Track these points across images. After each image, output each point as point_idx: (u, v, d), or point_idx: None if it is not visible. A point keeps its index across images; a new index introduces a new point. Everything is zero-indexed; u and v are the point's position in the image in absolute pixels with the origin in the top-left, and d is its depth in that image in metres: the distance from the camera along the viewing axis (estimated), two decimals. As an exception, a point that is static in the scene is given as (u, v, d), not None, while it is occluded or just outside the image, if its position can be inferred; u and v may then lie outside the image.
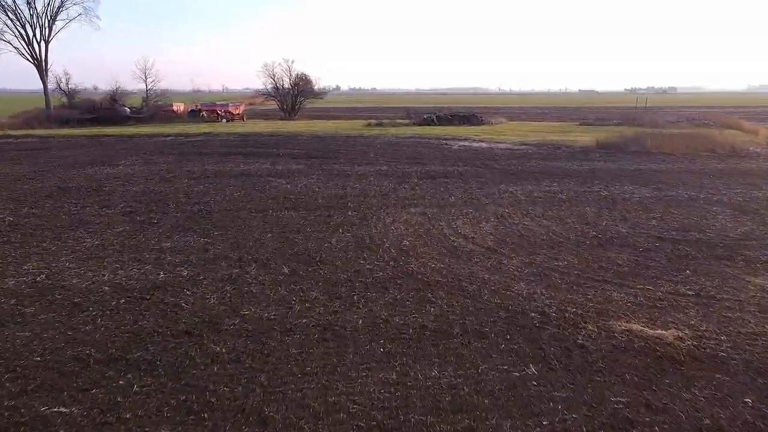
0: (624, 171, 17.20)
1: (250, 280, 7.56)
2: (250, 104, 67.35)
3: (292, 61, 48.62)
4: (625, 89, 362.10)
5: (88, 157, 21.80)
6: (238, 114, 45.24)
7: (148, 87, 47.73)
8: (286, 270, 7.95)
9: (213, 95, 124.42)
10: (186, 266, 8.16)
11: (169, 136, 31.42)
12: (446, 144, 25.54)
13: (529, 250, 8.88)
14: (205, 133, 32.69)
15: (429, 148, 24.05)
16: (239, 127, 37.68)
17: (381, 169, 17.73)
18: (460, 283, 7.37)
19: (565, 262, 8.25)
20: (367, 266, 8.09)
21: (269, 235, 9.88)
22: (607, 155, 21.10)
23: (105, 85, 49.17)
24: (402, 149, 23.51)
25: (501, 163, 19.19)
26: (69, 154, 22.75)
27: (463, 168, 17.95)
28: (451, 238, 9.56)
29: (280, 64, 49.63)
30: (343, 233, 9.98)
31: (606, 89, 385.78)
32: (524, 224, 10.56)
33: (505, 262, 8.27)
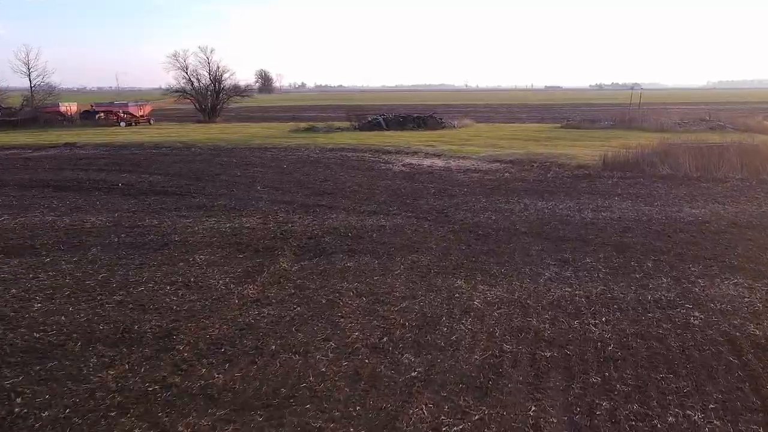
0: (680, 226, 9.56)
1: None
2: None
3: (212, 51, 39.37)
4: (590, 85, 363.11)
5: None
6: (142, 116, 36.43)
7: (33, 83, 38.27)
8: None
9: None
10: None
11: (9, 148, 22.65)
12: (384, 162, 17.62)
13: None
14: (67, 143, 24.03)
15: (356, 170, 16.09)
16: (131, 134, 29.08)
17: (244, 226, 9.70)
18: None
19: None
20: None
21: None
22: (625, 183, 13.55)
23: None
24: (315, 173, 15.50)
25: (462, 205, 11.36)
26: None
27: (393, 220, 10.04)
28: None
29: (195, 53, 40.59)
30: None
31: (571, 85, 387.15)
32: None
33: None
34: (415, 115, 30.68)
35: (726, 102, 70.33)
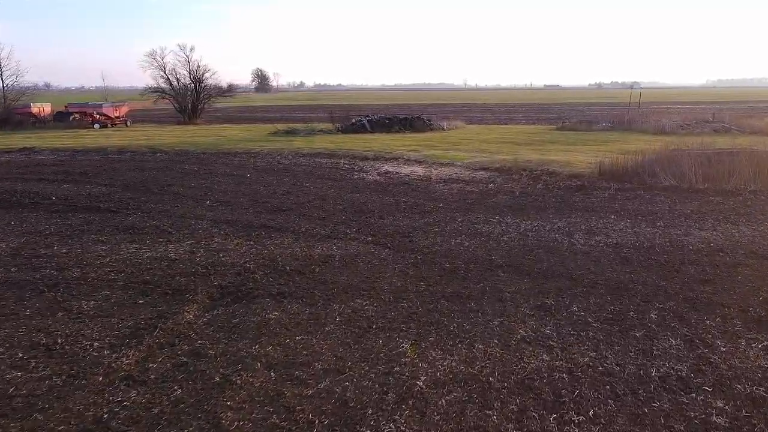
0: (688, 256, 7.93)
1: None
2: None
3: (192, 49, 37.59)
4: (589, 84, 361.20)
5: None
6: (117, 117, 34.80)
7: (6, 83, 36.63)
8: None
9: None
10: None
11: (-40, 154, 21.03)
12: (359, 170, 16.01)
13: None
14: (24, 148, 22.44)
15: (325, 180, 14.50)
16: (98, 137, 27.48)
17: (166, 256, 8.09)
18: None
19: None
20: None
21: None
22: (623, 196, 11.96)
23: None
24: (278, 183, 13.92)
25: (434, 225, 9.76)
26: None
27: (347, 247, 8.42)
28: None
29: (173, 52, 38.89)
30: None
31: (570, 84, 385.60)
32: None
33: None
34: (402, 116, 28.98)
35: (726, 101, 68.78)
